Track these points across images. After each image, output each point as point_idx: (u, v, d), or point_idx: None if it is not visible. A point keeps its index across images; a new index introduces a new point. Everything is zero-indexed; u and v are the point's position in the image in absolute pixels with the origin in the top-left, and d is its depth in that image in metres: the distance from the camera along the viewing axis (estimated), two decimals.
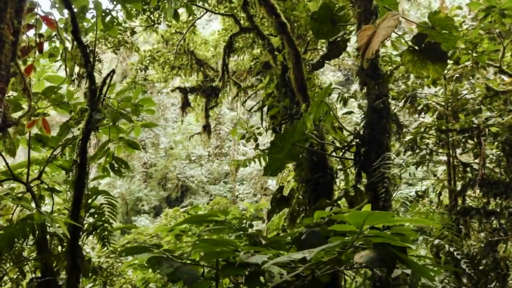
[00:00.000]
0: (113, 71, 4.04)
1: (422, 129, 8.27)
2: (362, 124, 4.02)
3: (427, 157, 9.13)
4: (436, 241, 4.70)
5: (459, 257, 4.64)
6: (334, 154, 4.66)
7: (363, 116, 4.09)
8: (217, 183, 34.54)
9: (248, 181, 31.67)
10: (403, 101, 8.55)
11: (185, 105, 15.90)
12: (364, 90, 4.20)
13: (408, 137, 8.48)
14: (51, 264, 3.71)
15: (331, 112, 4.16)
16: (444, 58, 4.72)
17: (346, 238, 2.05)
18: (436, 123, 8.22)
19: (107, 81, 3.93)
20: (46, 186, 4.90)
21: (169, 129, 33.77)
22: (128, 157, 32.86)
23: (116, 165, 5.67)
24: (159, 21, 8.19)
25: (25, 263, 3.82)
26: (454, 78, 8.98)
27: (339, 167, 4.68)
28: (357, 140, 3.96)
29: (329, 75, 33.60)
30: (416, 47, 4.73)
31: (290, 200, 4.72)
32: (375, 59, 4.22)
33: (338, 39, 4.73)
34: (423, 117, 9.51)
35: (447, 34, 4.81)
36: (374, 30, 3.82)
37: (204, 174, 33.99)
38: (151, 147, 33.30)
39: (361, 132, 4.04)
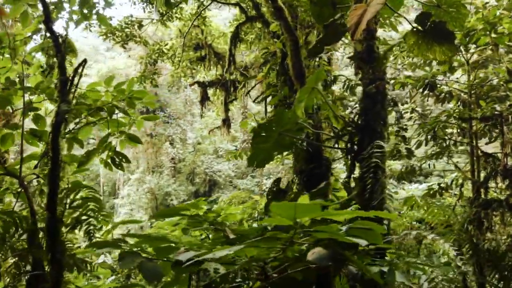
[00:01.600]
0: (84, 61, 3.97)
1: (442, 118, 7.81)
2: (355, 111, 3.77)
3: (451, 147, 8.66)
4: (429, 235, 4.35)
5: (455, 253, 4.29)
6: (336, 144, 4.41)
7: (358, 102, 3.83)
8: (244, 177, 34.56)
9: (275, 175, 31.55)
10: (421, 88, 8.11)
11: (204, 99, 15.90)
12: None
13: (427, 127, 8.03)
14: (40, 258, 3.71)
15: (325, 100, 3.91)
16: (450, 38, 4.34)
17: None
18: (457, 111, 7.74)
19: (79, 71, 3.87)
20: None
21: (196, 124, 34.05)
22: (156, 153, 33.50)
23: (117, 159, 5.66)
24: (168, 14, 8.12)
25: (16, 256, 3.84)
26: (479, 63, 8.43)
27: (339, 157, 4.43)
28: (350, 128, 3.71)
29: None
30: (420, 28, 4.40)
31: (288, 192, 4.52)
32: (371, 41, 3.94)
33: (335, 22, 4.46)
34: (455, 108, 8.98)
35: (455, 12, 4.44)
36: (364, 8, 3.54)
37: (231, 169, 34.10)
38: (179, 142, 33.70)
39: (356, 119, 3.78)
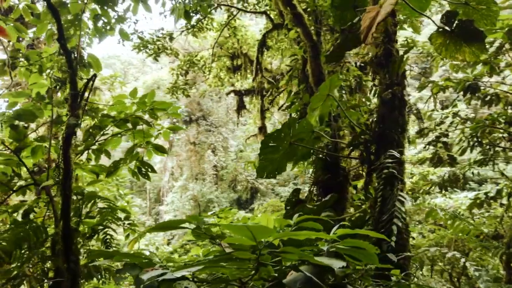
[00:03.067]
0: (94, 76, 4.07)
1: (485, 122, 7.27)
2: (372, 118, 3.57)
3: (499, 153, 8.06)
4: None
5: (477, 273, 3.89)
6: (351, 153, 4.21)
7: (375, 109, 3.63)
8: (286, 185, 34.33)
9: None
10: (462, 91, 7.62)
11: (240, 108, 16.00)
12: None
13: (469, 132, 7.53)
14: (61, 266, 3.83)
15: (341, 108, 3.74)
16: (480, 38, 4.03)
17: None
18: (503, 114, 7.18)
19: (89, 85, 3.97)
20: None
21: (237, 132, 34.37)
22: (199, 161, 34.11)
23: (143, 169, 5.78)
24: (198, 25, 8.24)
25: (39, 264, 3.99)
26: None
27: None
28: (366, 136, 3.52)
29: None
30: (447, 28, 4.12)
31: (306, 203, 4.36)
32: (389, 44, 3.73)
33: (354, 25, 4.28)
34: (499, 111, 8.38)
35: (485, 9, 4.13)
36: (377, 11, 3.36)
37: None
38: (221, 150, 34.13)
39: (373, 127, 3.58)
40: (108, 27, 4.27)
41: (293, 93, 5.32)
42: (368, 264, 2.15)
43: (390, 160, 2.98)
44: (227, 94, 14.84)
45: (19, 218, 4.68)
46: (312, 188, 4.38)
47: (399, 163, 3.19)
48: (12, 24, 4.01)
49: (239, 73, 15.02)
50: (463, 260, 4.37)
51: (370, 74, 3.95)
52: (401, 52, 4.05)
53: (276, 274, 1.76)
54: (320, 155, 4.12)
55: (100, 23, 4.31)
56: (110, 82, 13.54)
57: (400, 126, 3.42)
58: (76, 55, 3.86)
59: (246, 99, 16.34)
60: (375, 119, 3.56)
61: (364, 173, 5.94)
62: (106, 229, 4.05)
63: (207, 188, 32.33)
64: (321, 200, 4.15)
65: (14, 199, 6.93)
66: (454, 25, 4.10)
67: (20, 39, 4.88)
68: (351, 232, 1.80)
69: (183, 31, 8.75)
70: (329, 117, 4.12)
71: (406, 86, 3.58)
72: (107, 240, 4.06)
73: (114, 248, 4.13)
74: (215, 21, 9.17)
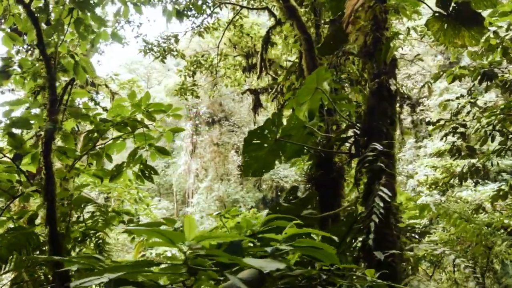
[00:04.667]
0: (72, 80, 4.07)
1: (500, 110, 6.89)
2: (361, 110, 3.40)
3: None
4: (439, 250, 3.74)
5: (467, 270, 3.62)
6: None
7: (365, 100, 3.46)
8: None
9: None
10: (477, 79, 7.24)
11: (256, 106, 15.89)
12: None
13: (485, 121, 7.16)
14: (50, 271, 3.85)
15: (331, 101, 3.59)
16: (479, 20, 3.79)
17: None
18: None
19: (68, 89, 3.97)
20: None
21: None
22: (223, 161, 34.27)
23: (146, 172, 5.78)
24: (204, 25, 8.21)
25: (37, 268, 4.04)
26: None
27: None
28: (355, 129, 3.35)
29: (427, 59, 30.82)
30: (443, 12, 3.90)
31: None
32: (379, 32, 3.54)
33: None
34: None
35: None
36: None
37: (298, 174, 33.71)
38: None
39: (362, 120, 3.41)
40: (90, 31, 4.29)
41: (292, 88, 5.19)
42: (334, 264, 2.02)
43: (371, 154, 2.82)
44: (242, 93, 14.76)
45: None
46: (307, 186, 4.25)
47: (388, 156, 3.02)
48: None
49: (254, 72, 14.93)
50: (452, 257, 4.10)
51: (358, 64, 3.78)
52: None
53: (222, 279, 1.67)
54: (312, 151, 3.98)
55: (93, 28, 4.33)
56: (129, 86, 13.72)
57: (389, 117, 3.24)
58: (55, 60, 3.89)
59: (263, 97, 16.23)
60: (364, 111, 3.39)
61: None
62: (99, 233, 4.07)
63: (232, 188, 32.42)
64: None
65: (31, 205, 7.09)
66: (451, 8, 3.88)
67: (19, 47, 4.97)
68: (301, 231, 1.68)
69: (187, 31, 8.75)
70: (321, 111, 3.97)
71: (396, 75, 3.39)
72: (100, 244, 4.08)
73: (106, 252, 4.14)
74: (221, 20, 9.12)
